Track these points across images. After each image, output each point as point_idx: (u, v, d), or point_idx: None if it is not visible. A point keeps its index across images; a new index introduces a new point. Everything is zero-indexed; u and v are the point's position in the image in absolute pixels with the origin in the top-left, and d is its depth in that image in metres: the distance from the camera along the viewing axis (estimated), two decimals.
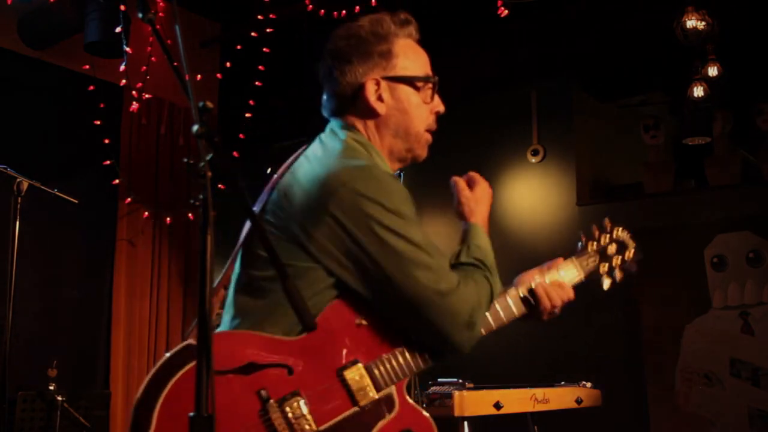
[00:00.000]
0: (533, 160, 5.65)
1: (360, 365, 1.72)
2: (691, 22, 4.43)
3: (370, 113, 1.86)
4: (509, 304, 1.96)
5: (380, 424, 1.72)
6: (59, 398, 4.09)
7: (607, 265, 2.08)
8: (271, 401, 1.61)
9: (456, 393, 3.17)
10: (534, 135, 5.67)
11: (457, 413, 3.15)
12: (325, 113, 1.95)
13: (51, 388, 4.12)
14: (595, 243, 2.08)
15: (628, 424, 5.04)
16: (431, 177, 6.00)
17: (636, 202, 5.41)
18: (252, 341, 1.66)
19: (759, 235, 4.83)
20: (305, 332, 1.68)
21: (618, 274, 2.09)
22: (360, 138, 1.86)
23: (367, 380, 1.72)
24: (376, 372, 1.73)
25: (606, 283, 2.07)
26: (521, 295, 1.97)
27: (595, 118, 5.86)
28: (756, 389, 4.70)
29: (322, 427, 1.65)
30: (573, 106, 5.61)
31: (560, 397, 3.58)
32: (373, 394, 1.71)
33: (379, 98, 1.86)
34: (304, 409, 1.63)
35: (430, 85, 1.91)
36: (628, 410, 5.03)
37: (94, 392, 5.00)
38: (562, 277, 2.04)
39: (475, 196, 2.19)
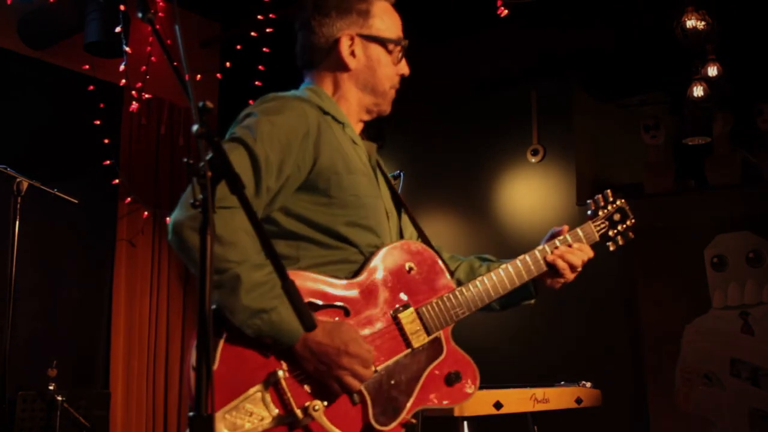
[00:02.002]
0: (533, 160, 5.65)
1: (412, 309, 1.85)
2: (691, 22, 4.43)
3: (340, 66, 1.97)
4: (536, 257, 2.05)
5: (432, 365, 1.84)
6: (59, 398, 4.09)
7: (614, 231, 2.22)
8: None
9: None
10: (534, 135, 5.67)
11: (457, 413, 3.15)
12: (298, 63, 2.05)
13: (51, 388, 4.12)
14: (603, 210, 2.22)
15: (628, 424, 5.04)
16: (431, 177, 6.03)
17: (636, 202, 5.37)
18: (312, 281, 1.74)
19: (759, 235, 4.83)
20: (360, 275, 1.81)
21: (620, 240, 2.25)
22: (315, 88, 1.97)
23: (419, 324, 1.84)
24: (427, 316, 1.86)
25: (611, 247, 2.23)
26: (543, 250, 2.07)
27: (595, 118, 5.86)
28: (756, 389, 4.70)
29: (379, 367, 1.76)
30: (573, 106, 5.61)
31: (560, 397, 3.58)
32: (425, 338, 1.84)
33: (352, 53, 1.96)
34: None
35: (400, 48, 2.01)
36: (628, 410, 5.04)
37: (94, 392, 4.99)
38: (581, 237, 2.14)
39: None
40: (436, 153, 5.89)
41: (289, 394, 1.65)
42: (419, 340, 1.83)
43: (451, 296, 1.90)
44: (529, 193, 5.68)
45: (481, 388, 3.29)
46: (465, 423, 3.19)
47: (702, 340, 4.91)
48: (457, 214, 5.93)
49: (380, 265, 1.83)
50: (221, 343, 1.64)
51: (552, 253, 2.06)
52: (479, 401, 3.23)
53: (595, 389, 3.76)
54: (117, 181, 5.40)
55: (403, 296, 1.85)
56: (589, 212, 2.21)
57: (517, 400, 3.38)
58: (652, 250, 5.16)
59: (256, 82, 5.54)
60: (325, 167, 1.80)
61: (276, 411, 1.64)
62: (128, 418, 5.34)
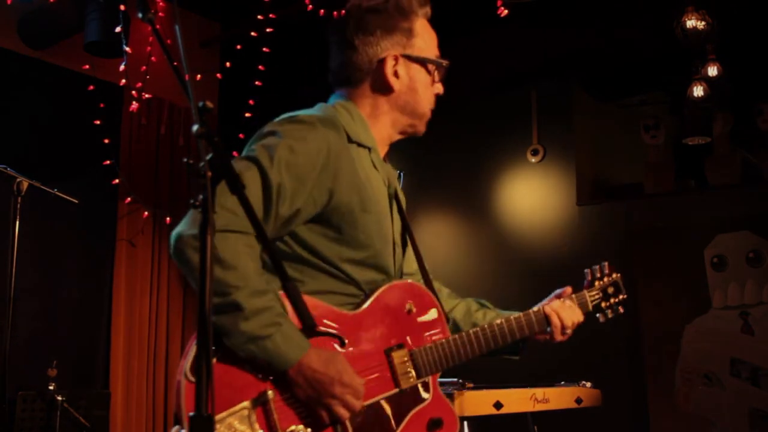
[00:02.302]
0: (533, 160, 5.65)
1: (406, 350, 1.84)
2: (691, 22, 4.43)
3: (383, 87, 1.93)
4: (531, 318, 2.10)
5: (416, 409, 1.83)
6: (59, 398, 4.09)
7: (606, 303, 2.28)
8: None
9: (456, 393, 3.17)
10: (534, 135, 5.67)
11: (457, 413, 3.15)
12: (332, 80, 1.99)
13: (51, 388, 4.12)
14: (599, 282, 2.28)
15: (628, 424, 5.04)
16: (431, 177, 6.03)
17: (636, 202, 5.41)
18: (312, 307, 1.71)
19: (759, 235, 4.83)
20: (360, 308, 1.80)
21: (610, 314, 2.30)
22: (348, 105, 1.92)
23: (410, 365, 1.84)
24: (419, 359, 1.85)
25: (601, 319, 2.29)
26: (538, 312, 2.12)
27: (595, 118, 5.86)
28: (756, 389, 4.70)
29: (366, 403, 1.74)
30: (573, 106, 5.61)
31: (560, 397, 3.58)
32: (414, 380, 1.84)
33: (395, 74, 1.92)
34: None
35: (438, 69, 1.99)
36: (628, 410, 5.03)
37: (94, 392, 4.99)
38: (575, 302, 2.20)
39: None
40: (436, 153, 5.89)
41: (275, 416, 1.64)
42: (408, 381, 1.82)
43: (445, 344, 1.90)
44: (529, 193, 5.68)
45: (481, 388, 3.31)
46: (465, 423, 3.19)
47: (702, 340, 4.91)
48: (457, 214, 5.93)
49: (381, 301, 1.83)
50: (216, 356, 1.64)
51: (549, 306, 2.12)
52: (479, 401, 3.23)
53: (595, 389, 3.76)
54: (117, 181, 5.40)
55: (399, 335, 1.84)
56: (585, 281, 2.26)
57: (517, 400, 3.38)
58: (652, 250, 5.16)
59: (256, 82, 5.54)
60: (340, 204, 1.77)
61: (261, 430, 1.64)
62: (128, 418, 5.34)
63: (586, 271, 2.27)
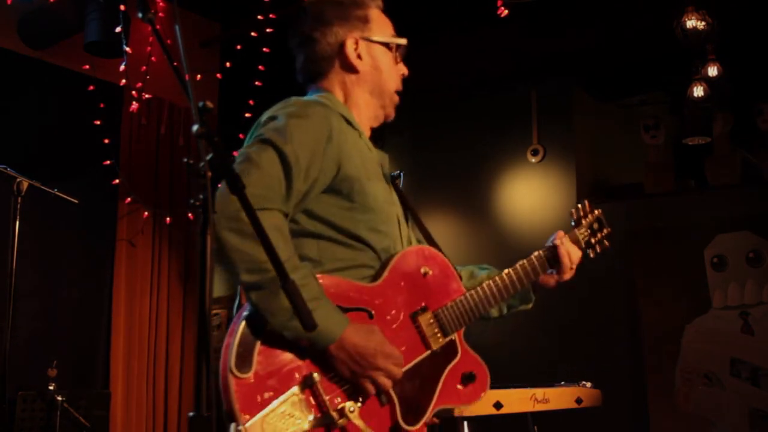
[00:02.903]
0: (533, 160, 5.65)
1: (429, 312, 1.91)
2: (691, 22, 4.43)
3: (349, 69, 2.02)
4: (534, 262, 2.16)
5: (449, 366, 1.92)
6: (59, 398, 4.09)
7: (594, 239, 2.34)
8: None
9: None
10: (534, 135, 5.67)
11: (456, 413, 3.15)
12: (300, 78, 2.09)
13: (51, 388, 4.11)
14: (585, 219, 2.34)
15: (628, 424, 5.04)
16: (431, 177, 6.03)
17: (636, 202, 5.41)
18: (336, 285, 1.78)
19: (759, 235, 4.83)
20: (379, 279, 1.85)
21: (598, 248, 2.36)
22: (327, 95, 1.99)
23: (437, 326, 1.91)
24: (444, 319, 1.92)
25: (591, 254, 2.34)
26: (540, 254, 2.18)
27: (595, 118, 5.86)
28: (756, 389, 4.70)
29: (404, 368, 1.80)
30: (573, 106, 5.61)
31: (560, 397, 3.58)
32: (442, 339, 1.91)
33: (358, 56, 2.01)
34: None
35: (398, 48, 2.07)
36: (628, 410, 5.03)
37: (94, 392, 4.99)
38: (570, 243, 2.26)
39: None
40: (436, 153, 5.89)
41: (324, 397, 1.69)
42: (437, 341, 1.90)
43: (465, 299, 1.97)
44: (529, 193, 5.68)
45: None
46: (465, 423, 3.19)
47: (702, 340, 4.91)
48: (457, 214, 5.93)
49: (398, 269, 1.88)
50: (257, 348, 1.67)
51: (555, 241, 2.19)
52: (479, 401, 3.23)
53: (595, 389, 3.75)
54: (117, 181, 5.40)
55: (420, 299, 1.91)
56: (572, 222, 2.33)
57: (517, 400, 3.38)
58: (652, 250, 5.16)
59: (256, 82, 5.54)
60: (348, 173, 1.84)
61: (313, 413, 1.68)
62: (128, 418, 5.34)
63: (571, 211, 2.34)
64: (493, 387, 3.33)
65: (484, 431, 3.37)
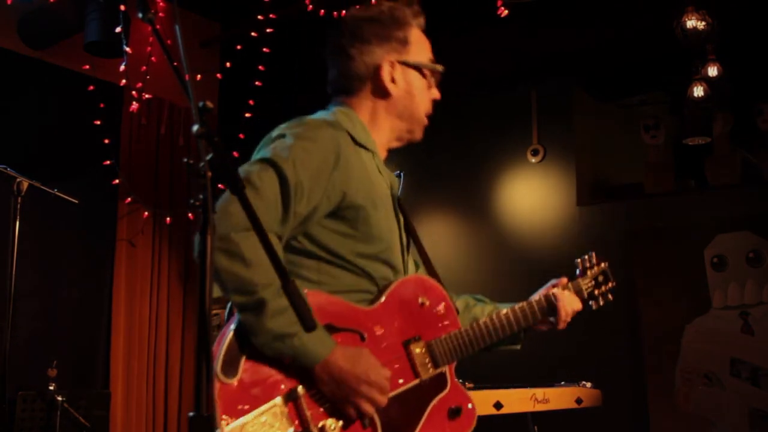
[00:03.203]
0: (533, 160, 5.65)
1: (422, 341, 1.90)
2: (691, 22, 4.43)
3: (381, 93, 1.98)
4: (534, 308, 2.16)
5: (436, 398, 1.91)
6: (59, 398, 4.09)
7: (598, 291, 2.36)
8: None
9: None
10: (534, 135, 5.67)
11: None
12: (330, 90, 2.04)
13: (51, 388, 4.12)
14: (590, 271, 2.35)
15: (628, 424, 5.04)
16: (431, 177, 6.02)
17: (636, 202, 5.41)
18: (331, 304, 1.78)
19: (759, 235, 4.83)
20: (375, 303, 1.85)
21: (601, 301, 2.37)
22: (348, 111, 1.96)
23: (428, 356, 1.90)
24: (436, 350, 1.92)
25: (594, 306, 2.36)
26: (540, 301, 2.19)
27: (595, 118, 5.86)
28: (756, 389, 4.70)
29: (390, 395, 1.79)
30: (573, 106, 5.61)
31: (560, 397, 3.58)
32: (432, 370, 1.90)
33: (392, 80, 1.97)
34: None
35: (434, 74, 2.04)
36: (628, 410, 5.03)
37: (94, 392, 5.00)
38: (572, 294, 2.27)
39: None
40: (436, 153, 5.88)
41: (307, 412, 1.68)
42: (427, 372, 1.89)
43: (459, 334, 1.97)
44: (529, 193, 5.67)
45: (481, 388, 3.31)
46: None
47: (702, 340, 4.91)
48: (457, 214, 5.93)
49: (395, 295, 1.89)
50: (245, 354, 1.67)
51: (555, 294, 2.19)
52: (479, 401, 3.22)
53: (595, 389, 3.76)
54: (117, 181, 5.40)
55: (415, 328, 1.90)
56: (578, 271, 2.33)
57: (517, 400, 3.38)
58: (652, 250, 5.16)
59: (256, 82, 5.54)
60: (353, 200, 1.82)
61: (293, 427, 1.67)
62: (128, 418, 5.34)
63: (576, 261, 2.34)
64: (493, 387, 3.35)
65: (484, 431, 3.37)
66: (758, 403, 4.69)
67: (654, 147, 5.51)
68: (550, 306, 2.18)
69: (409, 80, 1.99)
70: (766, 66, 5.11)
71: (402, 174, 2.23)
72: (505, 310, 2.11)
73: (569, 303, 2.20)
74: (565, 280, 2.25)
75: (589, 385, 3.72)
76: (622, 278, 5.15)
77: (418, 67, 2.00)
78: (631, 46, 5.26)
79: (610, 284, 2.36)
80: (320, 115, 1.95)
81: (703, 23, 4.41)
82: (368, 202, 1.84)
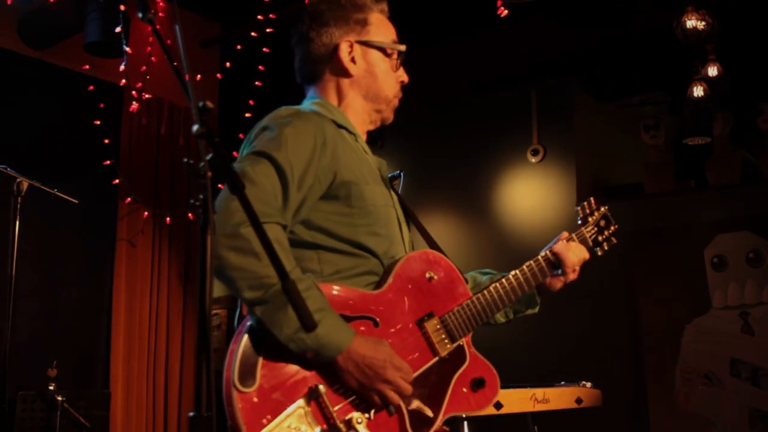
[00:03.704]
0: (533, 160, 5.64)
1: (436, 317, 1.88)
2: (691, 22, 4.43)
3: (342, 73, 1.99)
4: (541, 263, 2.12)
5: (458, 372, 1.88)
6: (59, 398, 4.09)
7: (601, 236, 2.31)
8: None
9: None
10: (534, 135, 5.67)
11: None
12: (298, 79, 2.07)
13: (51, 388, 4.12)
14: (591, 217, 2.31)
15: (628, 424, 5.04)
16: (431, 177, 6.02)
17: (636, 202, 5.41)
18: (339, 293, 1.76)
19: (759, 235, 4.83)
20: (383, 286, 1.82)
21: (605, 246, 2.32)
22: (322, 102, 1.97)
23: (444, 332, 1.88)
24: (451, 324, 1.89)
25: (599, 252, 2.31)
26: (545, 255, 2.14)
27: (595, 118, 5.86)
28: (756, 389, 4.70)
29: (412, 376, 1.76)
30: (573, 106, 5.60)
31: (560, 397, 3.58)
32: (450, 345, 1.88)
33: (352, 60, 1.99)
34: None
35: (398, 54, 2.04)
36: (628, 410, 5.03)
37: (94, 392, 5.00)
38: (577, 243, 2.24)
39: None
40: (436, 153, 5.88)
41: (331, 408, 1.66)
42: (445, 348, 1.86)
43: (471, 303, 1.94)
44: (529, 193, 5.67)
45: None
46: (465, 423, 3.19)
47: (702, 340, 4.91)
48: (457, 214, 5.93)
49: (402, 275, 1.85)
50: (260, 361, 1.64)
51: (557, 246, 2.15)
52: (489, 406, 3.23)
53: (595, 389, 3.75)
54: (117, 181, 5.40)
55: (426, 305, 1.87)
56: (579, 220, 2.30)
57: (517, 400, 3.37)
58: (652, 250, 5.16)
59: (256, 82, 5.54)
60: (344, 178, 1.82)
61: (319, 426, 1.65)
62: (128, 418, 5.34)
63: (576, 209, 2.32)
64: None
65: (484, 431, 3.37)
66: (758, 403, 4.69)
67: (654, 147, 5.50)
68: (556, 259, 2.13)
69: (369, 60, 2.00)
70: (766, 66, 5.11)
71: (402, 174, 2.23)
72: (513, 272, 2.09)
73: (574, 253, 2.15)
74: (566, 233, 2.22)
75: (589, 385, 3.71)
76: (622, 278, 5.20)
77: (379, 47, 2.00)
78: (631, 46, 5.26)
79: (612, 228, 2.32)
80: (300, 106, 1.97)
81: (703, 23, 4.41)
82: (359, 178, 1.86)
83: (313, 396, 1.65)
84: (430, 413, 1.78)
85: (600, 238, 2.29)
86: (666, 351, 5.00)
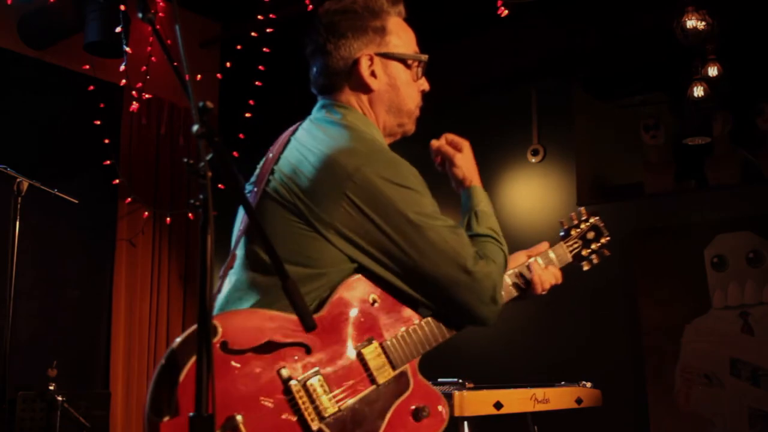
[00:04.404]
0: (533, 160, 5.65)
1: (376, 343, 1.75)
2: (691, 22, 4.43)
3: (363, 88, 1.90)
4: (507, 284, 2.02)
5: (398, 401, 1.76)
6: (59, 398, 4.09)
7: (587, 250, 2.20)
8: (293, 381, 1.62)
9: (456, 393, 3.17)
10: (534, 135, 5.67)
11: (457, 413, 3.14)
12: (314, 89, 1.97)
13: (51, 388, 4.12)
14: (576, 230, 2.20)
15: (628, 424, 5.04)
16: (431, 177, 6.02)
17: (636, 202, 5.41)
18: (270, 319, 1.65)
19: (759, 235, 4.83)
20: (322, 309, 1.71)
21: (595, 259, 2.23)
22: (358, 116, 1.89)
23: (384, 358, 1.75)
24: (392, 350, 1.76)
25: (585, 267, 2.21)
26: (517, 274, 2.03)
27: (595, 118, 5.85)
28: (756, 389, 4.70)
29: (344, 405, 1.67)
30: (573, 106, 5.60)
31: (560, 397, 3.57)
32: (390, 372, 1.75)
33: (372, 74, 1.89)
34: (326, 388, 1.65)
35: (419, 64, 1.96)
36: (628, 410, 5.03)
37: (94, 392, 5.00)
38: (553, 259, 2.12)
39: (466, 157, 2.23)
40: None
41: None
42: (384, 375, 1.74)
43: (417, 328, 1.80)
44: (529, 193, 5.67)
45: (481, 388, 3.31)
46: (465, 423, 3.19)
47: (702, 340, 4.91)
48: (457, 214, 5.91)
49: (343, 297, 1.74)
50: (176, 390, 1.53)
51: (530, 271, 2.03)
52: (479, 401, 3.23)
53: (595, 389, 3.75)
54: (117, 181, 5.40)
55: (367, 331, 1.75)
56: (561, 233, 2.19)
57: (517, 400, 3.37)
58: (652, 250, 5.16)
59: (256, 82, 5.54)
60: None
61: None
62: (128, 418, 5.35)
63: (560, 221, 2.22)
64: (493, 387, 3.35)
65: (484, 431, 3.37)
66: (758, 403, 4.69)
67: (654, 147, 5.50)
68: (525, 281, 2.01)
69: (391, 73, 1.91)
70: (766, 66, 5.11)
71: None
72: None
73: (545, 277, 2.02)
74: (545, 244, 2.12)
75: (589, 385, 3.71)
76: (622, 278, 5.20)
77: (399, 58, 1.92)
78: (631, 46, 5.26)
79: (603, 240, 2.21)
80: (342, 124, 1.85)
81: (703, 23, 4.41)
82: None
83: (228, 426, 1.54)
84: None
85: (585, 252, 2.20)
86: (666, 351, 5.00)
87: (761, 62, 5.10)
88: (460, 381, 3.28)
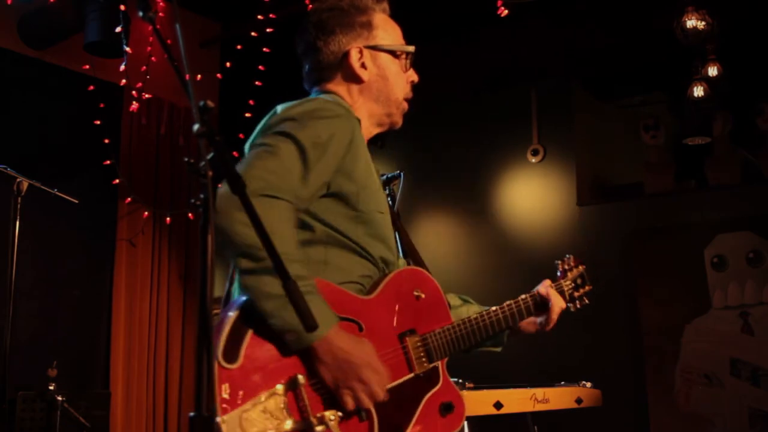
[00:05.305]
0: (533, 160, 5.65)
1: (417, 335, 1.88)
2: (691, 22, 4.43)
3: (353, 79, 1.98)
4: (521, 305, 2.15)
5: (429, 393, 1.87)
6: (59, 398, 4.09)
7: (577, 293, 2.35)
8: None
9: None
10: (534, 135, 5.67)
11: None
12: (306, 86, 2.05)
13: (51, 388, 4.12)
14: (570, 273, 2.35)
15: (628, 424, 5.04)
16: (431, 176, 6.02)
17: (636, 202, 5.41)
18: (332, 292, 1.75)
19: (759, 235, 4.83)
20: (372, 293, 1.83)
21: (579, 304, 2.36)
22: (335, 98, 1.94)
23: (423, 350, 1.88)
24: (431, 344, 1.90)
25: (572, 308, 2.34)
26: (534, 295, 2.18)
27: (595, 118, 5.85)
28: (756, 389, 4.70)
29: (387, 387, 1.74)
30: (573, 106, 5.60)
31: (560, 397, 3.57)
32: (427, 365, 1.88)
33: (362, 65, 1.97)
34: None
35: (407, 55, 2.03)
36: (628, 410, 5.03)
37: (94, 392, 5.00)
38: (557, 294, 2.27)
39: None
40: (436, 153, 5.88)
41: (307, 402, 1.64)
42: (422, 366, 1.87)
43: (453, 328, 1.95)
44: (529, 193, 5.67)
45: (481, 388, 3.31)
46: (465, 423, 3.19)
47: (702, 340, 4.91)
48: (457, 214, 5.93)
49: (392, 287, 1.87)
50: (246, 340, 1.62)
51: (547, 290, 2.20)
52: (479, 401, 3.23)
53: (595, 389, 3.75)
54: (117, 181, 5.40)
55: (410, 321, 1.88)
56: (558, 272, 2.33)
57: (517, 400, 3.37)
58: (652, 250, 5.16)
59: (256, 82, 5.54)
60: (358, 179, 1.83)
61: (292, 416, 1.63)
62: (128, 418, 5.34)
63: (556, 262, 2.34)
64: (493, 387, 3.35)
65: (484, 431, 3.37)
66: (758, 403, 4.69)
67: (654, 147, 5.50)
68: (542, 303, 2.17)
69: (380, 64, 1.99)
70: (766, 66, 5.11)
71: (402, 174, 2.23)
72: (495, 307, 2.10)
73: (557, 302, 2.20)
74: (548, 281, 2.25)
75: (589, 385, 3.71)
76: (622, 278, 5.20)
77: (387, 51, 1.99)
78: (632, 46, 5.26)
79: (587, 287, 2.35)
80: (325, 96, 1.94)
81: (703, 23, 4.41)
82: (370, 183, 1.87)
83: (291, 386, 1.63)
84: None
85: (576, 294, 2.32)
86: (666, 351, 5.00)
87: (761, 62, 5.11)
88: (460, 381, 3.28)
